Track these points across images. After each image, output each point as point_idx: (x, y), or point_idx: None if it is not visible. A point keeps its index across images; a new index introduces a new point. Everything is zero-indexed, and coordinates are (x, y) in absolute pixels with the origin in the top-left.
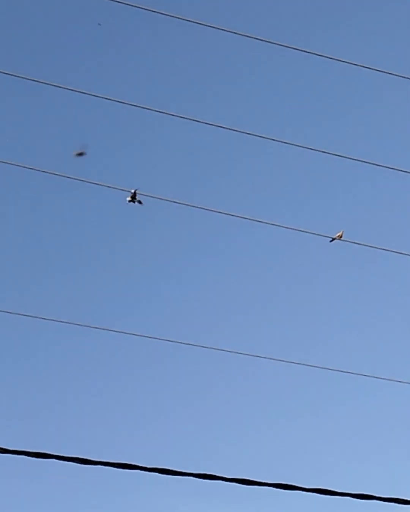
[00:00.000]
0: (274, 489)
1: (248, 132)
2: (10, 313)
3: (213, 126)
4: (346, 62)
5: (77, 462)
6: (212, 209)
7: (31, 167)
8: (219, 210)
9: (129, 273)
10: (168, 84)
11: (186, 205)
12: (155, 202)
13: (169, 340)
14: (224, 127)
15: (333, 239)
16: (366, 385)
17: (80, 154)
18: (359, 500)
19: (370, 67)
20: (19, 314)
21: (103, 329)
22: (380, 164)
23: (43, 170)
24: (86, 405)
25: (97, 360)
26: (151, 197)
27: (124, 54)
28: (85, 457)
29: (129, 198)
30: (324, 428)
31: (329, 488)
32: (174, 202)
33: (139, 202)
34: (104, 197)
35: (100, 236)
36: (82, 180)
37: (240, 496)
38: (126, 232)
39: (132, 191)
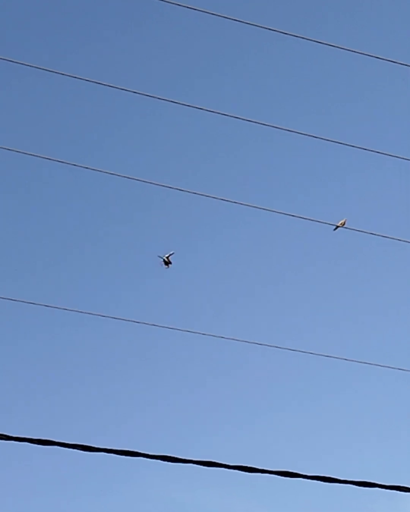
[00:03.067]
0: (276, 476)
1: (249, 119)
2: (10, 299)
3: (213, 113)
4: (348, 50)
5: (80, 449)
6: (215, 196)
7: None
8: (222, 198)
9: (128, 259)
10: (167, 70)
11: (187, 191)
12: (156, 188)
13: (170, 328)
14: (224, 114)
15: (337, 227)
16: (368, 372)
17: (167, 262)
18: (360, 487)
19: (371, 54)
20: (18, 300)
21: (104, 316)
22: (384, 152)
23: (49, 157)
24: (89, 392)
25: (99, 347)
26: (151, 183)
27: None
28: (88, 444)
29: (163, 263)
30: (326, 416)
31: (331, 476)
32: (176, 189)
33: (169, 262)
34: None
35: (96, 221)
36: (83, 167)
37: (241, 483)
38: (125, 218)
39: (165, 256)
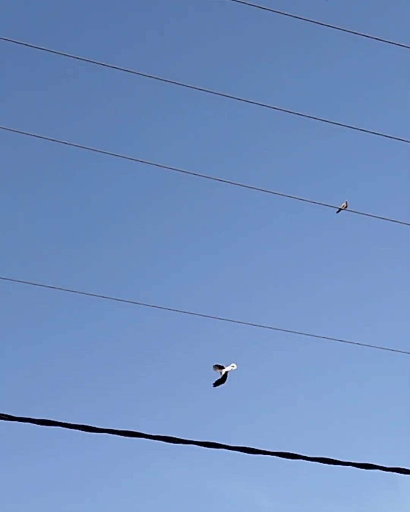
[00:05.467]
0: (277, 457)
1: (252, 100)
2: (11, 280)
3: (217, 95)
4: (349, 31)
5: (82, 430)
6: (218, 178)
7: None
8: (225, 180)
9: (136, 244)
10: (168, 51)
11: (192, 174)
12: (158, 169)
13: (173, 310)
14: (226, 95)
15: (339, 209)
16: (369, 355)
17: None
18: (362, 469)
19: (374, 37)
20: (22, 281)
21: (105, 297)
22: (386, 135)
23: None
24: (91, 372)
25: (101, 328)
26: (155, 165)
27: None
28: (90, 425)
29: (219, 376)
30: (327, 398)
31: (332, 457)
32: (179, 171)
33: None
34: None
35: (103, 209)
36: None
37: (243, 465)
38: (129, 199)
39: (224, 371)
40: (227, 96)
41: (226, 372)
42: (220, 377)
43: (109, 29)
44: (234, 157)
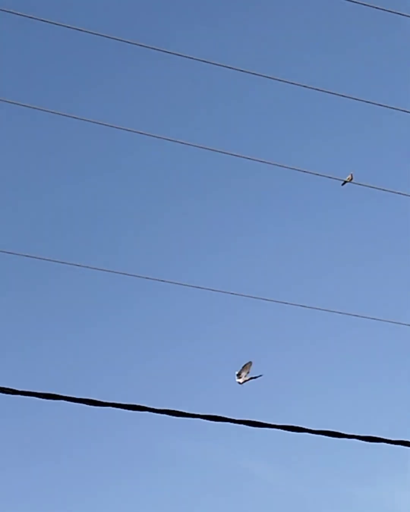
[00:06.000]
0: (281, 431)
1: (255, 72)
2: (5, 252)
3: (214, 65)
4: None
5: (86, 404)
6: (220, 150)
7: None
8: (227, 151)
9: (129, 210)
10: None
11: (196, 146)
12: (153, 140)
13: (175, 283)
14: (228, 67)
15: (345, 182)
16: (374, 327)
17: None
18: (366, 442)
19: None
20: (15, 254)
21: (109, 271)
22: (391, 106)
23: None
24: (95, 345)
25: (104, 300)
26: (152, 136)
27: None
28: (94, 398)
29: (240, 379)
30: (332, 370)
31: (337, 430)
32: (175, 141)
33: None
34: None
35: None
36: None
37: (247, 438)
38: (116, 167)
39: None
40: (230, 68)
41: (250, 378)
42: (246, 378)
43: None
44: (236, 129)
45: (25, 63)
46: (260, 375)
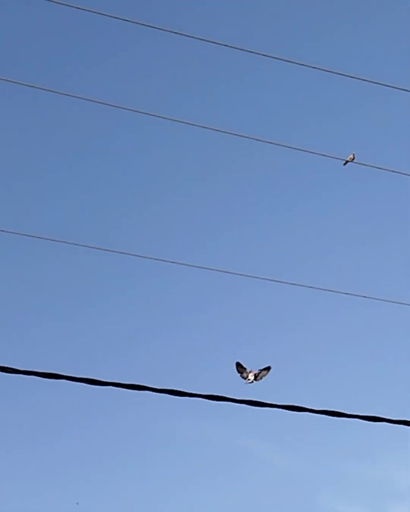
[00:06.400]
0: (284, 410)
1: (259, 52)
2: (7, 232)
3: (216, 44)
4: None
5: (87, 383)
6: (224, 130)
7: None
8: (230, 131)
9: (131, 190)
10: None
11: (199, 126)
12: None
13: (178, 263)
14: (232, 47)
15: (346, 162)
16: (377, 306)
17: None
18: (368, 422)
19: None
20: (17, 233)
21: (111, 251)
22: (393, 86)
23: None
24: (96, 325)
25: (106, 280)
26: (156, 116)
27: None
28: (95, 378)
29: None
30: (334, 349)
31: (338, 410)
32: (185, 123)
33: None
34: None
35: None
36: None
37: (249, 418)
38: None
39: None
40: (233, 48)
41: (256, 374)
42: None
43: None
44: (239, 110)
45: (27, 42)
46: (268, 367)
